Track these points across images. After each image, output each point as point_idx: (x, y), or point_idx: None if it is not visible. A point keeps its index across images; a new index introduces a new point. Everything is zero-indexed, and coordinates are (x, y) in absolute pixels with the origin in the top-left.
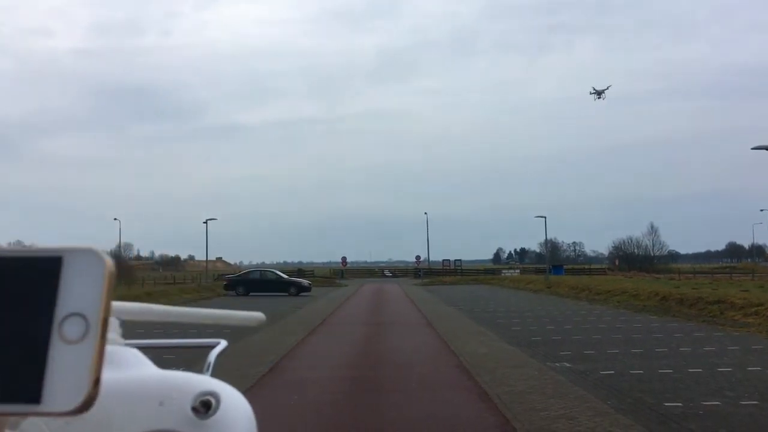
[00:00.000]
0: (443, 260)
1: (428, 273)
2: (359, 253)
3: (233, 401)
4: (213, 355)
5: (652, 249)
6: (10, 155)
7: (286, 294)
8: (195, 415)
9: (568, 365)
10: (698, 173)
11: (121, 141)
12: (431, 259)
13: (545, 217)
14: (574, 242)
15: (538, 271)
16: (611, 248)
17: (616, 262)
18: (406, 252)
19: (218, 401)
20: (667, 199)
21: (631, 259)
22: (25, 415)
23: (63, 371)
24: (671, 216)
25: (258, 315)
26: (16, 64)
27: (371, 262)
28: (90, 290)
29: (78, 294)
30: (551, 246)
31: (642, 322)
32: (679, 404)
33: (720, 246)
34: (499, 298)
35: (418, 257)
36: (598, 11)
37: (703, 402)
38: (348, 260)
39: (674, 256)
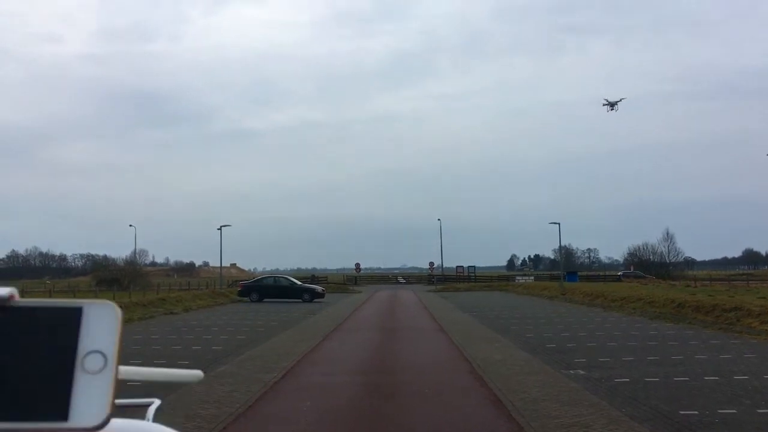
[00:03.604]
0: (457, 267)
1: (442, 279)
2: (373, 260)
3: None
4: (151, 412)
5: (668, 256)
6: (22, 162)
7: (300, 300)
8: None
9: (582, 372)
10: (715, 178)
11: (131, 147)
12: (445, 265)
13: (559, 224)
14: (588, 249)
15: (552, 278)
16: (626, 255)
17: (632, 269)
18: (419, 258)
19: None
20: (683, 204)
21: (646, 266)
22: (56, 430)
23: (86, 395)
24: (687, 222)
25: (196, 372)
26: (25, 71)
27: (385, 269)
28: (107, 333)
29: (97, 336)
30: (565, 253)
31: (657, 329)
32: (695, 412)
33: (737, 253)
34: (512, 304)
35: (431, 263)
36: (612, 12)
37: (719, 410)
38: (362, 266)
39: (690, 263)
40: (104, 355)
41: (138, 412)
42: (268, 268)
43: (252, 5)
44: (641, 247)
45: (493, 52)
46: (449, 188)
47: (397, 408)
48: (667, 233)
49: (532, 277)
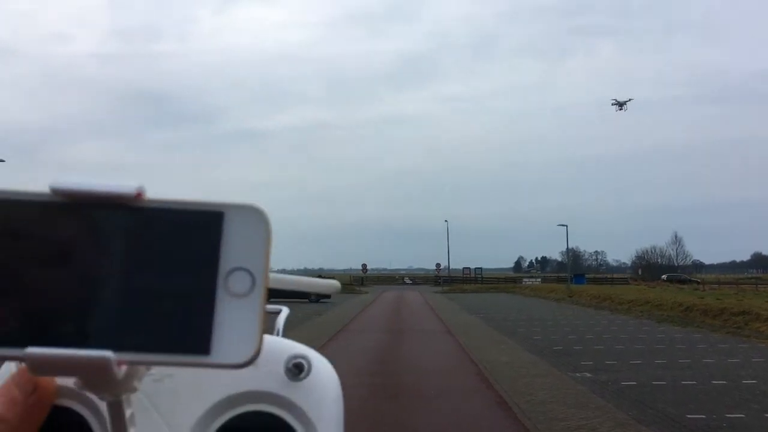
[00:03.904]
0: (464, 268)
1: (449, 281)
2: (380, 260)
3: (322, 365)
4: (281, 321)
5: (676, 259)
6: (31, 161)
7: (306, 300)
8: (289, 377)
9: (589, 375)
10: (724, 182)
11: (140, 146)
12: (452, 266)
13: (567, 226)
14: (596, 251)
15: (559, 280)
16: (634, 258)
17: (639, 272)
18: (426, 259)
19: (310, 364)
20: (691, 207)
21: (654, 269)
22: (195, 365)
23: (231, 324)
24: (696, 225)
25: (334, 282)
26: (36, 70)
27: (392, 269)
28: (253, 246)
29: (241, 249)
30: (573, 255)
31: (665, 332)
32: (703, 416)
33: (745, 256)
34: (519, 306)
35: (438, 265)
36: (621, 14)
37: (727, 414)
38: (368, 267)
39: (698, 266)
40: (251, 274)
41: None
42: (274, 268)
43: (261, 5)
44: (649, 250)
45: (502, 54)
46: (457, 189)
47: (403, 409)
48: (676, 236)
49: (539, 279)
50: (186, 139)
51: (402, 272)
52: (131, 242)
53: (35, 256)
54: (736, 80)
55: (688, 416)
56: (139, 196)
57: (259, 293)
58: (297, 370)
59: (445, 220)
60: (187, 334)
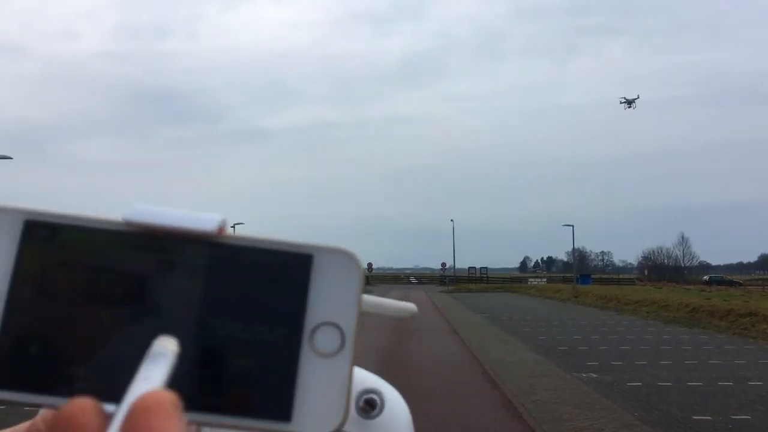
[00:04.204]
0: (469, 268)
1: (454, 280)
2: (385, 260)
3: (394, 400)
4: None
5: (683, 260)
6: (39, 159)
7: None
8: (360, 415)
9: (594, 376)
10: (731, 182)
11: (147, 144)
12: (457, 266)
13: (573, 226)
14: (602, 252)
15: (565, 280)
16: (641, 258)
17: (646, 272)
18: (431, 258)
19: (382, 400)
20: (698, 208)
21: (661, 270)
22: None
23: (316, 388)
24: (702, 226)
25: (411, 306)
26: (43, 67)
27: (397, 269)
28: (343, 297)
29: (330, 301)
30: (579, 255)
31: (671, 333)
32: (708, 417)
33: (752, 257)
34: (525, 306)
35: (443, 264)
36: (628, 13)
37: (732, 416)
38: (374, 266)
39: (705, 267)
40: (341, 330)
41: None
42: None
43: (268, 4)
44: (656, 251)
45: (509, 53)
46: (463, 189)
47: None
48: (682, 237)
49: (545, 279)
50: (191, 137)
51: (407, 271)
52: (208, 285)
53: (100, 294)
54: (744, 80)
55: (694, 417)
56: (220, 231)
57: (349, 354)
58: (369, 407)
59: (451, 220)
60: (266, 396)
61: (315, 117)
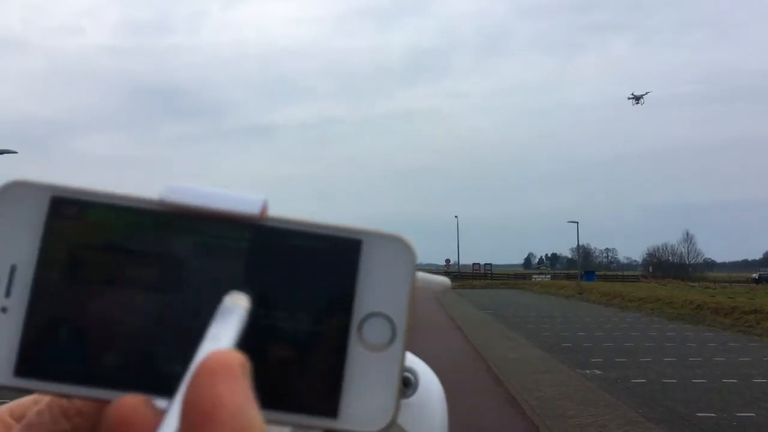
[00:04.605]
0: (473, 264)
1: (458, 276)
2: None
3: (428, 379)
4: None
5: (687, 257)
6: (42, 154)
7: None
8: None
9: (598, 372)
10: (736, 180)
11: (152, 140)
12: (461, 262)
13: (577, 223)
14: (606, 249)
15: (569, 277)
16: (645, 255)
17: (650, 269)
18: (435, 255)
19: (417, 379)
20: (703, 206)
21: (665, 267)
22: (317, 429)
23: (364, 383)
24: (707, 223)
25: (445, 280)
26: (47, 63)
27: None
28: (395, 286)
29: (381, 290)
30: (584, 252)
31: (676, 330)
32: (713, 414)
33: (757, 255)
34: (529, 303)
35: (447, 260)
36: (634, 11)
37: (737, 413)
38: None
39: (710, 265)
40: (391, 322)
41: None
42: None
43: (271, 0)
44: (660, 248)
45: (513, 50)
46: (467, 186)
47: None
48: (687, 234)
49: (549, 276)
50: (195, 133)
51: None
52: (248, 270)
53: (133, 278)
54: (749, 78)
55: (699, 414)
56: (263, 213)
57: (399, 347)
58: (403, 386)
59: (455, 216)
60: (311, 391)
61: (319, 113)
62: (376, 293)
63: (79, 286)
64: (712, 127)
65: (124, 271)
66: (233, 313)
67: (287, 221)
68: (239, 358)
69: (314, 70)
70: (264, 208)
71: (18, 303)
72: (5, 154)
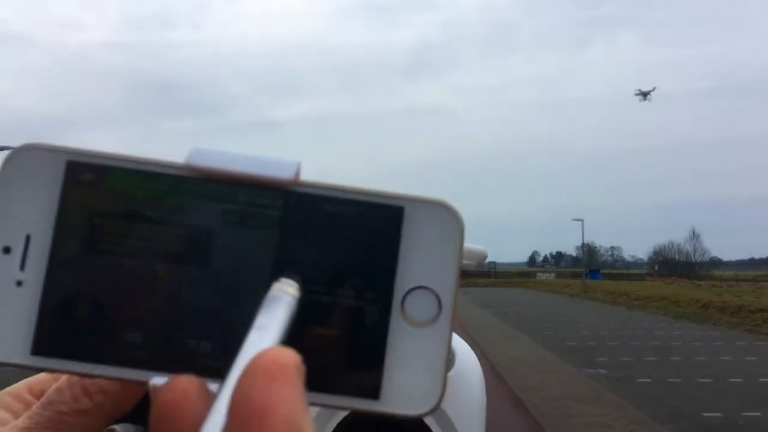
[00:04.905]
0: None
1: (461, 274)
2: None
3: (466, 352)
4: None
5: (694, 255)
6: None
7: None
8: None
9: (603, 372)
10: (743, 177)
11: (153, 135)
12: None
13: (582, 220)
14: (612, 247)
15: (574, 275)
16: (651, 253)
17: (656, 268)
18: None
19: (453, 355)
20: (709, 203)
21: (671, 265)
22: (358, 411)
23: (408, 362)
24: (713, 221)
25: (482, 249)
26: (48, 58)
27: None
28: (440, 257)
29: (425, 261)
30: (588, 250)
31: (681, 329)
32: (719, 414)
33: (764, 253)
34: (533, 301)
35: None
36: (641, 4)
37: (743, 413)
38: None
39: (716, 263)
40: (437, 296)
41: None
42: None
43: None
44: (666, 246)
45: (519, 45)
46: (471, 182)
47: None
48: (693, 232)
49: (554, 274)
50: (197, 128)
51: None
52: (282, 240)
53: (156, 249)
54: (760, 73)
55: (704, 414)
56: (297, 178)
57: (446, 323)
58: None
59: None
60: (351, 371)
61: (322, 108)
62: (420, 265)
63: (100, 258)
64: (720, 124)
65: (148, 242)
66: (281, 302)
67: (323, 186)
68: (296, 360)
69: (318, 65)
70: (298, 172)
71: (34, 276)
72: (5, 151)
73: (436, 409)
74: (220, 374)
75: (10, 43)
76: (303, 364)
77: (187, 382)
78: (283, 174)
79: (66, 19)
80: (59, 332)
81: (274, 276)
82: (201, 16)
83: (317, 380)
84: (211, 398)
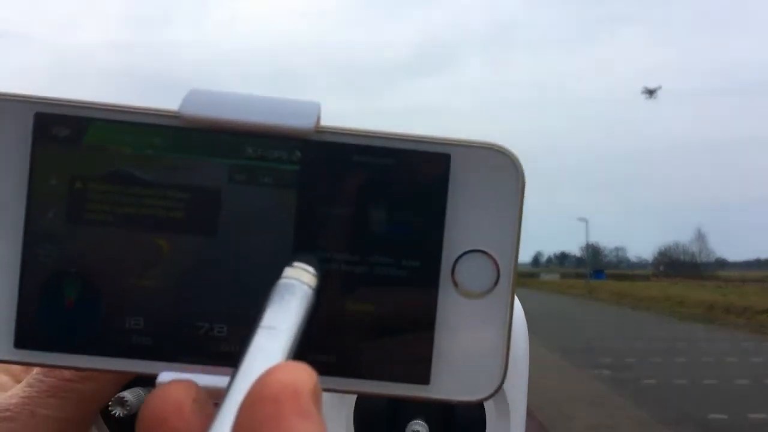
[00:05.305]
0: None
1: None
2: None
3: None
4: None
5: (699, 256)
6: None
7: None
8: None
9: (608, 372)
10: (748, 177)
11: None
12: None
13: (587, 221)
14: (616, 247)
15: (578, 276)
16: (656, 254)
17: (661, 269)
18: None
19: None
20: (714, 203)
21: (676, 266)
22: (406, 398)
23: (462, 339)
24: (719, 221)
25: None
26: (47, 58)
27: None
28: (497, 215)
29: (478, 219)
30: (593, 250)
31: (687, 330)
32: (725, 416)
33: None
34: (537, 301)
35: None
36: (646, 1)
37: (749, 414)
38: None
39: (722, 263)
40: (494, 261)
41: None
42: None
43: None
44: (672, 247)
45: (523, 43)
46: None
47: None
48: (699, 232)
49: (558, 275)
50: None
51: None
52: (302, 202)
53: (151, 216)
54: (764, 73)
55: (710, 416)
56: (317, 124)
57: (506, 292)
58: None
59: None
60: (394, 352)
61: (324, 107)
62: (473, 224)
63: (86, 230)
64: (726, 123)
65: (142, 209)
66: (295, 294)
67: (349, 132)
68: (311, 382)
69: (319, 63)
70: (318, 117)
71: (8, 255)
72: None
73: (495, 393)
74: (224, 360)
75: (9, 41)
76: (337, 346)
77: (182, 391)
78: (301, 121)
79: (66, 18)
80: (45, 320)
81: (297, 243)
82: (201, 16)
83: (353, 365)
84: (210, 413)
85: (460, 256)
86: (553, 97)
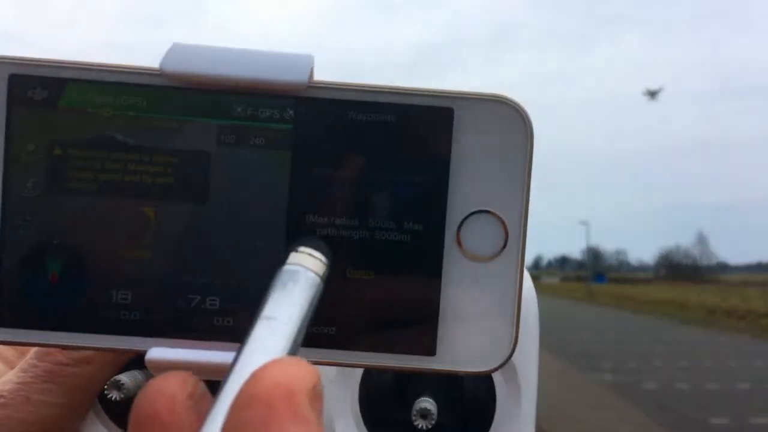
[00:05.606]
0: None
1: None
2: None
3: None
4: None
5: (701, 259)
6: None
7: None
8: None
9: (608, 376)
10: (751, 179)
11: None
12: None
13: (587, 224)
14: (617, 250)
15: (578, 279)
16: (657, 257)
17: (662, 272)
18: None
19: None
20: (716, 206)
21: (678, 269)
22: (411, 371)
23: (469, 306)
24: (720, 224)
25: None
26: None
27: None
28: (504, 172)
29: (484, 177)
30: (594, 254)
31: (688, 334)
32: (726, 421)
33: None
34: (537, 305)
35: None
36: (649, 2)
37: (751, 419)
38: None
39: (723, 267)
40: (502, 222)
41: None
42: None
43: None
44: (673, 250)
45: (523, 44)
46: None
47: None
48: (701, 235)
49: (558, 278)
50: None
51: None
52: (297, 164)
53: (135, 184)
54: (765, 74)
55: (712, 420)
56: (311, 79)
57: (515, 255)
58: None
59: None
60: (397, 322)
61: None
62: (479, 183)
63: (67, 199)
64: (727, 125)
65: (126, 175)
66: (300, 283)
67: (345, 87)
68: (309, 382)
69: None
70: (312, 71)
71: None
72: None
73: (505, 364)
74: (235, 336)
75: (5, 43)
76: (338, 316)
77: (177, 385)
78: (293, 75)
79: (59, 19)
80: (27, 296)
81: (292, 208)
82: (198, 17)
83: (354, 337)
84: (205, 410)
85: (466, 218)
86: (554, 99)
